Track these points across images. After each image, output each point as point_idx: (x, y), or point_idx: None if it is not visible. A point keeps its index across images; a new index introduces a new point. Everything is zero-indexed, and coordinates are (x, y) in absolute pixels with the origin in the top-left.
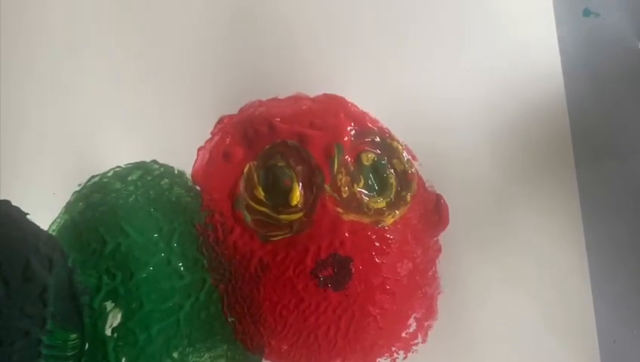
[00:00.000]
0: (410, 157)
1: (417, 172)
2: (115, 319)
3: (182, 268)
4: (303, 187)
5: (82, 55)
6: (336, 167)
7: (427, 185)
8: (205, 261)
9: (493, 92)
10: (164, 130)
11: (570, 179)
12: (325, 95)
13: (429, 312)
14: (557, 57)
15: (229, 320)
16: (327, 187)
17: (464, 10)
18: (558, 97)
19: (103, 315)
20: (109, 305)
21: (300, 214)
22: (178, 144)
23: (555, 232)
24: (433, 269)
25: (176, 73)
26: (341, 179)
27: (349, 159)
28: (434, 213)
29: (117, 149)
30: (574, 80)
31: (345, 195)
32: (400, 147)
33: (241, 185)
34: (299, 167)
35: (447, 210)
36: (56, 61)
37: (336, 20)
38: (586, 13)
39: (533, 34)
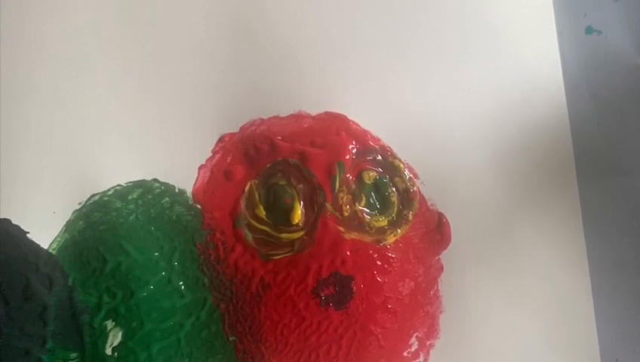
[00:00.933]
0: (412, 175)
1: (419, 190)
2: (115, 338)
3: (183, 287)
4: (305, 205)
5: (83, 72)
6: (337, 185)
7: (429, 203)
8: (206, 280)
9: (496, 110)
10: (165, 148)
11: (573, 196)
12: (326, 113)
13: (431, 331)
14: (559, 75)
15: (230, 339)
16: (328, 205)
17: (466, 29)
18: (560, 115)
19: (103, 334)
20: (109, 324)
21: (302, 233)
22: (179, 162)
23: (557, 250)
24: (435, 288)
25: (177, 91)
26: (342, 198)
27: (351, 177)
28: (436, 231)
29: (117, 168)
30: (577, 97)
31: (346, 214)
32: (402, 165)
33: (242, 203)
34: (300, 186)
35: (450, 229)
36: (57, 78)
37: (337, 38)
38: (589, 30)
39: (536, 52)
